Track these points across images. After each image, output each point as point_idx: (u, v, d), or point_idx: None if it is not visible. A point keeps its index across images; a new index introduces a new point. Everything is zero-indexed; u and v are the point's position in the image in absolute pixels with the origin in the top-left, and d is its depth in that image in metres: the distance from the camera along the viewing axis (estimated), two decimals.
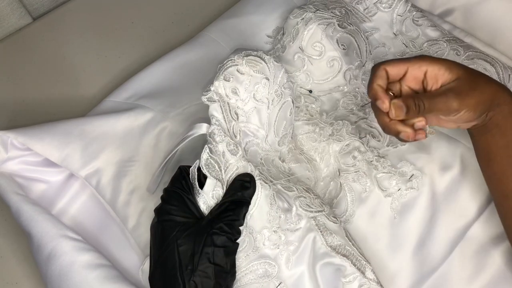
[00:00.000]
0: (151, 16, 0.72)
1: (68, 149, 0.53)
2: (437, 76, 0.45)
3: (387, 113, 0.44)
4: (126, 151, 0.55)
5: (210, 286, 0.39)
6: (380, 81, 0.45)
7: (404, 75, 0.46)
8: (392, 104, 0.44)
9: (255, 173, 0.46)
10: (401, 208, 0.51)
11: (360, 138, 0.55)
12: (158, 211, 0.43)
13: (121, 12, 0.72)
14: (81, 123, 0.55)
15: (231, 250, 0.42)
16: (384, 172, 0.52)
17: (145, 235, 0.52)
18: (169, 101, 0.59)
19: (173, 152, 0.48)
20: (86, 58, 0.68)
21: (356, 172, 0.53)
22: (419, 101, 0.43)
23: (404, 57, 0.46)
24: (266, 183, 0.47)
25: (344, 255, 0.46)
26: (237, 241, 0.43)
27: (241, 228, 0.43)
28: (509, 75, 0.55)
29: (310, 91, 0.59)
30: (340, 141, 0.55)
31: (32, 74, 0.67)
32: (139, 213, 0.53)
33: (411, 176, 0.52)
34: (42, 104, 0.64)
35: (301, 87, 0.59)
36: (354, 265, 0.46)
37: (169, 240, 0.41)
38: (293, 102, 0.53)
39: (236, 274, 0.44)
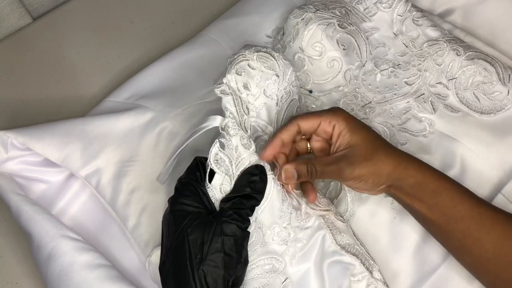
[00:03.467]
0: (151, 16, 0.72)
1: (68, 149, 0.53)
2: (340, 135, 0.46)
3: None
4: (126, 151, 0.55)
5: (219, 276, 0.39)
6: (286, 135, 0.47)
7: (317, 128, 0.47)
8: (284, 170, 0.46)
9: (267, 167, 0.46)
10: (401, 208, 0.51)
11: None
12: (171, 200, 0.43)
13: (121, 12, 0.72)
14: (81, 123, 0.55)
15: (241, 238, 0.41)
16: None
17: (145, 235, 0.52)
18: (169, 101, 0.59)
19: (185, 144, 0.48)
20: (86, 58, 0.68)
21: None
22: (312, 167, 0.45)
23: (318, 110, 0.48)
24: (274, 180, 0.46)
25: (354, 254, 0.46)
26: (248, 230, 0.43)
27: (250, 219, 0.43)
28: (509, 75, 0.55)
29: (310, 91, 0.59)
30: None
31: (32, 74, 0.67)
32: (139, 213, 0.53)
33: None
34: (42, 104, 0.64)
35: (301, 87, 0.59)
36: (363, 264, 0.46)
37: (180, 229, 0.41)
38: (299, 100, 0.53)
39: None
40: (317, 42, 0.57)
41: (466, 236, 0.42)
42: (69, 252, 0.48)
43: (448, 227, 0.43)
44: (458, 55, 0.57)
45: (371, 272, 0.46)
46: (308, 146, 0.49)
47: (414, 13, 0.61)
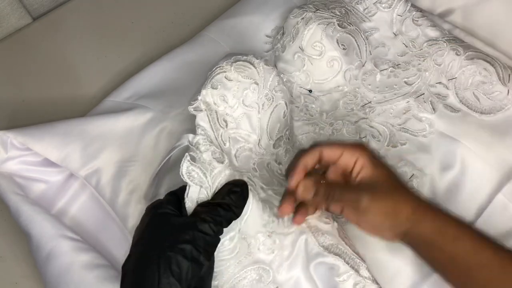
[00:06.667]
0: (151, 16, 0.72)
1: (68, 149, 0.53)
2: (362, 168, 0.44)
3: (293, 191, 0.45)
4: (126, 151, 0.55)
5: (184, 266, 0.37)
6: (309, 159, 0.45)
7: (339, 159, 0.46)
8: (303, 183, 0.44)
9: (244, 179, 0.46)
10: None
11: (360, 138, 0.55)
12: (151, 204, 0.43)
13: (121, 12, 0.72)
14: (81, 123, 0.55)
15: (211, 241, 0.40)
16: None
17: None
18: (169, 101, 0.59)
19: (163, 162, 0.49)
20: (86, 58, 0.68)
21: None
22: (331, 189, 0.44)
23: (342, 142, 0.47)
24: (255, 190, 0.47)
25: (336, 254, 0.46)
26: (228, 248, 0.43)
27: (233, 231, 0.43)
28: (509, 75, 0.55)
29: (310, 91, 0.59)
30: None
31: (32, 74, 0.67)
32: (139, 213, 0.53)
33: (411, 176, 0.52)
34: (42, 104, 0.64)
35: (301, 87, 0.59)
36: (348, 263, 0.45)
37: (151, 218, 0.40)
38: (286, 104, 0.53)
39: (230, 280, 0.44)
40: (317, 41, 0.57)
41: (489, 284, 0.40)
42: (68, 252, 0.48)
43: (470, 275, 0.41)
44: (458, 55, 0.57)
45: (357, 271, 0.45)
46: (322, 181, 0.47)
47: (414, 13, 0.61)
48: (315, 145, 0.47)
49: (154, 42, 0.70)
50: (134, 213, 0.53)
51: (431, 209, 0.43)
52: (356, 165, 0.45)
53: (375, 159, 0.45)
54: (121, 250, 0.53)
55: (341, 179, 0.47)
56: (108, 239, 0.53)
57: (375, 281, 0.46)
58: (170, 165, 0.53)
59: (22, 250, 0.55)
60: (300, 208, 0.47)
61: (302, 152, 0.46)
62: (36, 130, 0.53)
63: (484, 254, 0.41)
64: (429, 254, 0.43)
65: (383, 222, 0.43)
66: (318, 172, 0.48)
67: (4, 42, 0.69)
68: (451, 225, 0.42)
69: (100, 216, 0.54)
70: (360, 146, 0.45)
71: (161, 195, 0.50)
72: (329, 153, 0.46)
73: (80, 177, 0.54)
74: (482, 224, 0.50)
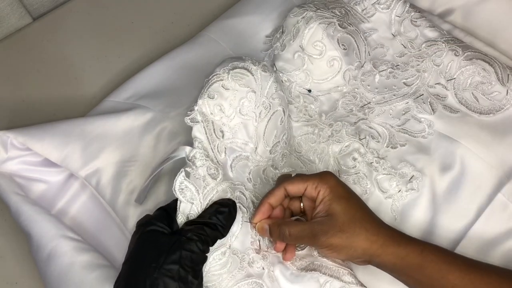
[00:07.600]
0: (151, 16, 0.72)
1: (68, 149, 0.53)
2: (322, 201, 0.45)
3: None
4: (126, 151, 0.55)
5: (172, 287, 0.38)
6: (273, 200, 0.47)
7: (304, 192, 0.47)
8: (258, 224, 0.47)
9: (235, 196, 0.46)
10: (402, 209, 0.51)
11: (360, 139, 0.55)
12: (141, 221, 0.43)
13: (121, 12, 0.72)
14: (81, 123, 0.55)
15: (198, 259, 0.41)
16: (384, 174, 0.53)
17: None
18: (169, 101, 0.59)
19: (158, 170, 0.49)
20: (86, 58, 0.68)
21: (356, 174, 0.53)
22: (283, 229, 0.45)
23: (305, 175, 0.48)
24: (246, 205, 0.48)
25: (312, 270, 0.46)
26: (219, 262, 0.43)
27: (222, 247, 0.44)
28: (508, 75, 0.55)
29: (309, 91, 0.59)
30: (339, 142, 0.55)
31: (32, 74, 0.67)
32: (139, 213, 0.53)
33: (411, 177, 0.52)
34: (42, 104, 0.64)
35: (300, 86, 0.59)
36: (325, 273, 0.46)
37: (139, 239, 0.41)
38: (284, 110, 0.53)
39: None
40: (317, 41, 0.57)
41: None
42: (69, 252, 0.48)
43: None
44: (456, 55, 0.57)
45: (338, 277, 0.46)
46: (302, 205, 0.49)
47: (413, 13, 0.61)
48: (279, 182, 0.48)
49: (154, 42, 0.70)
50: (135, 213, 0.53)
51: (393, 239, 0.44)
52: (318, 197, 0.46)
53: (336, 191, 0.45)
54: (121, 250, 0.53)
55: (314, 206, 0.47)
56: (108, 239, 0.53)
57: (361, 284, 0.46)
58: (162, 172, 0.54)
59: (22, 250, 0.55)
60: (290, 245, 0.48)
61: (269, 192, 0.48)
62: (36, 130, 0.53)
63: (452, 277, 0.42)
64: (398, 278, 0.45)
65: (339, 254, 0.45)
66: (299, 198, 0.49)
67: (4, 42, 0.69)
68: (414, 254, 0.43)
69: (100, 216, 0.54)
70: (323, 178, 0.46)
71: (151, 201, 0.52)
72: (293, 189, 0.47)
73: (80, 177, 0.54)
74: (482, 224, 0.50)
